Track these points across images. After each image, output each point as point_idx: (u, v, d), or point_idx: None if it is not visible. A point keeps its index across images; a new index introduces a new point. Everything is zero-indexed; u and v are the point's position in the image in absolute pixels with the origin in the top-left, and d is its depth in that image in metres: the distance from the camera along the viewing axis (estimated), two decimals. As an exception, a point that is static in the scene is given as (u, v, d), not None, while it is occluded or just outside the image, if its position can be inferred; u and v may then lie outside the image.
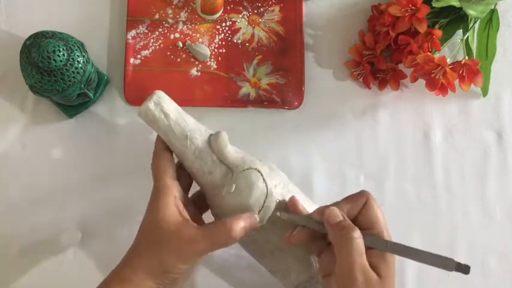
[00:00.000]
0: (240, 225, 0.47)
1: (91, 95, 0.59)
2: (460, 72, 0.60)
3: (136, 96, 0.62)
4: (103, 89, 0.62)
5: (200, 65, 0.64)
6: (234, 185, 0.49)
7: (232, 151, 0.50)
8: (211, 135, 0.51)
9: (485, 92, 0.66)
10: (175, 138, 0.50)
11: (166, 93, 0.52)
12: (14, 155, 0.61)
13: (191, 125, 0.50)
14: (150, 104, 0.49)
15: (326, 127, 0.65)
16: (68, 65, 0.54)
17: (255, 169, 0.49)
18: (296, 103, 0.64)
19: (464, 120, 0.66)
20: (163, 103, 0.50)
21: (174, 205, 0.47)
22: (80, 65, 0.54)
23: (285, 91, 0.64)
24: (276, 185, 0.50)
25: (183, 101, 0.62)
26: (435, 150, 0.65)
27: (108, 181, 0.61)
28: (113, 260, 0.59)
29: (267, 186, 0.49)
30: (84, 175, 0.61)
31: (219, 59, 0.64)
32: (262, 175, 0.49)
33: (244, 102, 0.63)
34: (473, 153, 0.66)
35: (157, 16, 0.65)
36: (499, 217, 0.64)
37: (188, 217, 0.48)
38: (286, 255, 0.51)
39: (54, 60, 0.52)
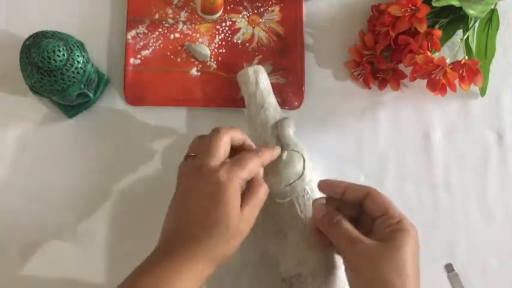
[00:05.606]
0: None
1: (91, 95, 0.59)
2: (460, 72, 0.60)
3: (136, 96, 0.62)
4: (103, 89, 0.62)
5: (200, 65, 0.64)
6: (286, 153, 0.55)
7: (292, 134, 0.57)
8: (282, 118, 0.58)
9: (483, 92, 0.66)
10: (255, 103, 0.58)
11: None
12: (14, 155, 0.61)
13: (271, 102, 0.59)
14: (250, 70, 0.59)
15: (326, 127, 0.65)
16: (68, 65, 0.54)
17: (302, 155, 0.55)
18: (296, 103, 0.64)
19: (464, 120, 0.66)
20: (260, 74, 0.59)
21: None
22: (80, 65, 0.54)
23: (285, 91, 0.64)
24: (311, 180, 0.55)
25: (183, 101, 0.63)
26: (435, 150, 0.65)
27: (108, 181, 0.61)
28: (114, 259, 0.59)
29: (303, 171, 0.54)
30: (84, 175, 0.61)
31: (219, 59, 0.64)
32: (304, 161, 0.55)
33: (245, 102, 0.63)
34: (473, 153, 0.66)
35: (157, 16, 0.65)
36: (499, 217, 0.64)
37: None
38: (286, 242, 0.53)
39: (54, 60, 0.52)
